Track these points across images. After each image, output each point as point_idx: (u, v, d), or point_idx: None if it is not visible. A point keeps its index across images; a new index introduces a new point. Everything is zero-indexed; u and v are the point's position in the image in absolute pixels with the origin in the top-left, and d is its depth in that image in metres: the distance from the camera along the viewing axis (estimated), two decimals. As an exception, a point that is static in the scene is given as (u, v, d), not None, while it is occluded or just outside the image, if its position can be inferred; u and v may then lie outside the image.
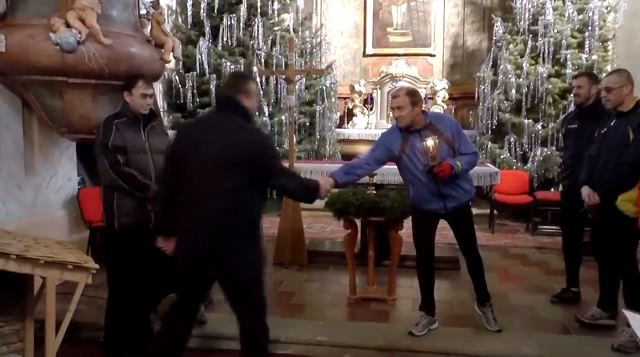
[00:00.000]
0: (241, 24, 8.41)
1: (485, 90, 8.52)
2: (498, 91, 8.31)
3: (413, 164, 3.73)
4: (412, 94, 3.70)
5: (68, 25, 4.19)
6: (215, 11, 8.50)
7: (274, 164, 2.99)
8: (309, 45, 9.06)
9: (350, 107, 10.71)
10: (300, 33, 9.05)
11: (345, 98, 10.75)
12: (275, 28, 8.72)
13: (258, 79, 8.16)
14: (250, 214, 2.93)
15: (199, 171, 2.86)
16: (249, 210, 2.92)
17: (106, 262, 3.58)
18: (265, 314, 3.06)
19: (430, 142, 3.57)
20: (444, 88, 10.36)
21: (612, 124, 3.80)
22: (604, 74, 6.17)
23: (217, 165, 2.83)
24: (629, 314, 2.24)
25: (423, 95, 10.36)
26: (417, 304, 4.54)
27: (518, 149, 8.07)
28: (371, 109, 10.59)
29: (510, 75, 8.13)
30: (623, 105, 3.74)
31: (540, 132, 7.86)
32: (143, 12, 5.36)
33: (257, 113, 3.28)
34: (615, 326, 3.96)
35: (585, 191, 3.85)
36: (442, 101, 10.34)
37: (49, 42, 4.16)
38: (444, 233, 7.13)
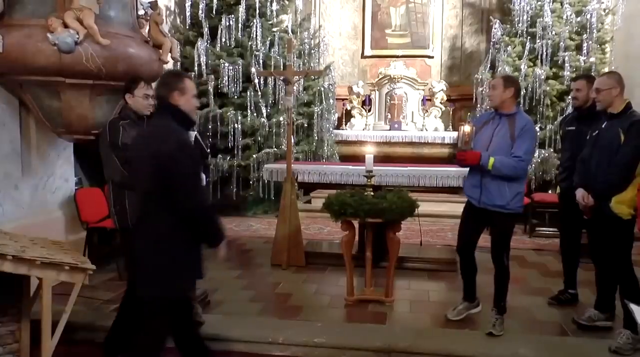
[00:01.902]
0: (239, 25, 8.39)
1: (484, 92, 8.50)
2: (496, 93, 8.30)
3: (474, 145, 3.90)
4: (508, 78, 4.03)
5: (66, 26, 4.19)
6: (214, 12, 8.49)
7: (179, 182, 2.71)
8: (308, 47, 9.05)
9: (349, 108, 10.69)
10: (298, 34, 9.04)
11: (343, 99, 10.73)
12: (274, 29, 8.72)
13: (257, 80, 8.18)
14: (161, 230, 2.75)
15: (134, 178, 2.95)
16: (160, 225, 2.75)
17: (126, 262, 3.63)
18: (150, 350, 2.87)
19: (466, 128, 3.66)
20: (442, 89, 10.34)
21: (603, 126, 3.81)
22: (601, 76, 6.18)
23: (139, 173, 2.85)
24: (635, 308, 2.26)
25: (421, 97, 10.38)
26: (414, 305, 4.57)
27: (516, 151, 8.05)
28: (369, 111, 10.58)
29: (508, 77, 8.13)
30: (613, 107, 3.76)
31: (538, 134, 7.86)
32: (141, 12, 5.36)
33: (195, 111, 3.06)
34: (613, 327, 3.97)
35: (580, 192, 3.87)
36: (440, 103, 10.32)
37: (46, 43, 4.16)
38: (441, 235, 7.18)
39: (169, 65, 7.25)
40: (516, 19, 8.41)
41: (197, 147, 4.18)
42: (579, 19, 8.05)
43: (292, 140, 6.19)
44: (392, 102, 10.46)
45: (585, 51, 7.91)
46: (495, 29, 8.69)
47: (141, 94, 3.57)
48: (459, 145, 3.80)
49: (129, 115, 3.57)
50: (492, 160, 3.71)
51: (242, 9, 8.35)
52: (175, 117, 2.83)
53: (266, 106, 8.32)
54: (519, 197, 3.88)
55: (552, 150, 7.71)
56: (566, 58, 7.86)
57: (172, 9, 8.80)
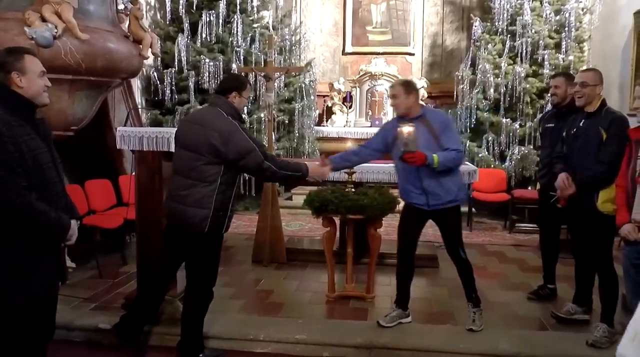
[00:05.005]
0: (220, 21, 8.35)
1: (464, 89, 8.57)
2: (476, 90, 8.37)
3: (398, 153, 3.76)
4: (406, 84, 3.91)
5: (44, 20, 4.13)
6: (194, 7, 8.44)
7: None
8: (288, 43, 9.04)
9: (330, 105, 10.70)
10: (279, 30, 9.02)
11: (324, 96, 10.73)
12: (255, 25, 8.69)
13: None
14: None
15: None
16: None
17: (199, 263, 3.57)
18: None
19: (405, 128, 3.59)
20: (422, 87, 10.37)
21: (581, 124, 3.83)
22: (580, 74, 6.24)
23: None
24: None
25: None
26: (395, 301, 4.58)
27: (496, 148, 8.13)
28: (350, 107, 10.58)
29: (488, 75, 8.19)
30: (590, 105, 3.78)
31: (518, 131, 7.94)
32: (121, 7, 5.31)
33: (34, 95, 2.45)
34: (590, 321, 4.03)
35: (563, 176, 3.82)
36: (421, 100, 10.36)
37: (23, 37, 4.10)
38: (423, 231, 7.21)
39: (149, 61, 7.21)
40: (496, 17, 8.47)
41: None
42: (557, 17, 8.14)
43: (273, 137, 6.18)
44: (372, 99, 10.48)
45: (564, 49, 8.01)
46: (475, 26, 8.75)
47: (248, 95, 3.57)
48: (404, 148, 3.68)
49: (237, 116, 3.45)
50: (436, 157, 3.65)
51: (222, 4, 8.32)
52: (9, 103, 2.37)
53: (247, 103, 8.28)
54: (464, 187, 3.98)
55: (531, 147, 7.79)
56: (545, 56, 7.95)
57: (152, 4, 8.73)
